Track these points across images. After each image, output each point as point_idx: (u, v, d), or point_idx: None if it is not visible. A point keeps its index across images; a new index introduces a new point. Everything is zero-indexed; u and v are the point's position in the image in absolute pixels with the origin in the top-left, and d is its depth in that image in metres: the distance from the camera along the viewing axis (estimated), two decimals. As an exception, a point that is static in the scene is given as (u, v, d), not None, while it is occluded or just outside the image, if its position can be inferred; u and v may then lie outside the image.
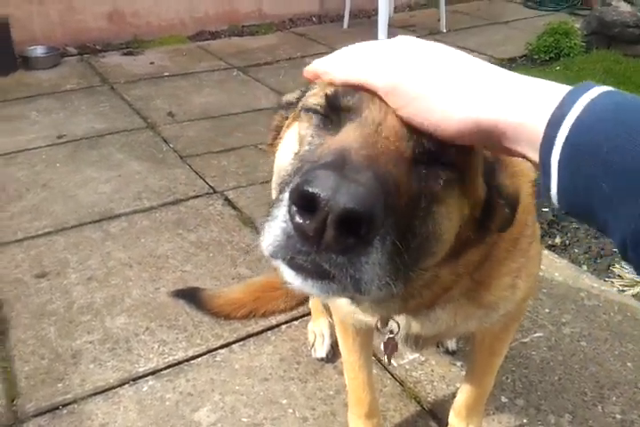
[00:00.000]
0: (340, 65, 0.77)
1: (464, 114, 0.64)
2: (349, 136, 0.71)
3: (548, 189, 0.59)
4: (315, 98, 0.82)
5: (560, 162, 0.56)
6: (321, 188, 0.58)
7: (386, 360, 1.20)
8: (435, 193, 0.74)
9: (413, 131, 0.71)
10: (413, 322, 1.12)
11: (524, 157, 0.63)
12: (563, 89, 0.59)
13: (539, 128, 0.58)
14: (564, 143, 0.55)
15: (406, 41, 0.75)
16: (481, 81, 0.65)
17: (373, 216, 0.59)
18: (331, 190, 0.57)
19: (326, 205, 0.58)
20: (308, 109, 0.83)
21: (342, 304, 1.26)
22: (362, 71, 0.73)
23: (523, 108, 0.60)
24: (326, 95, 0.79)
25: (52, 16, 5.08)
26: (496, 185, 0.85)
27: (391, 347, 1.16)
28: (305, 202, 0.59)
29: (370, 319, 1.19)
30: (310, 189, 0.58)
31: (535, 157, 0.60)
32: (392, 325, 1.11)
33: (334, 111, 0.78)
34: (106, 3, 5.30)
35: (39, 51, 4.90)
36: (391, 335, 1.12)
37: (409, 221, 0.70)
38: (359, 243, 0.61)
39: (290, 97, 1.00)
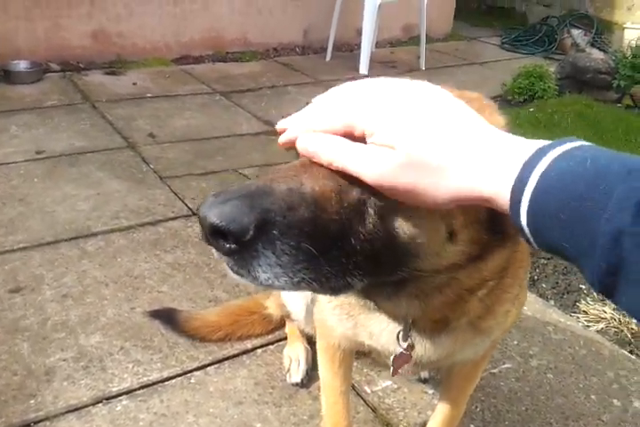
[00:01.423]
0: (324, 146, 0.80)
1: (444, 197, 0.72)
2: (295, 161, 0.85)
3: (533, 246, 0.68)
4: None
5: (529, 228, 0.64)
6: (201, 208, 0.76)
7: (391, 373, 1.23)
8: (383, 202, 0.80)
9: None
10: (418, 346, 1.16)
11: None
12: (525, 154, 0.65)
13: (507, 199, 0.66)
14: (528, 213, 0.63)
15: (388, 94, 0.78)
16: (458, 155, 0.70)
17: (237, 229, 0.72)
18: (206, 210, 0.74)
19: (202, 221, 0.75)
20: None
21: (341, 328, 1.30)
22: (348, 162, 0.77)
23: (493, 180, 0.67)
24: None
25: (38, 32, 5.09)
26: None
27: (402, 361, 1.19)
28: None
29: (372, 342, 1.23)
30: (198, 209, 0.77)
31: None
32: (411, 340, 1.14)
33: None
34: (92, 22, 5.34)
35: (22, 65, 4.90)
36: (406, 352, 1.15)
37: (347, 228, 0.79)
38: (240, 248, 0.75)
39: None
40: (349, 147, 0.78)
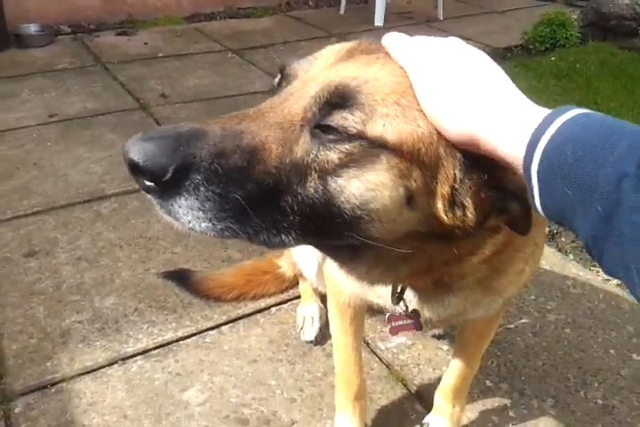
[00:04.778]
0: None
1: (460, 128, 0.75)
2: (259, 104, 0.83)
3: (533, 198, 0.68)
4: None
5: (538, 176, 0.65)
6: (126, 143, 0.75)
7: (388, 330, 1.23)
8: (336, 162, 0.77)
9: (316, 105, 0.79)
10: (427, 306, 1.14)
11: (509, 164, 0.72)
12: (543, 113, 0.68)
13: (521, 148, 0.67)
14: (540, 160, 0.65)
15: (462, 61, 0.80)
16: (485, 102, 0.74)
17: (154, 168, 0.72)
18: (129, 145, 0.74)
19: (124, 155, 0.74)
20: None
21: (350, 286, 1.27)
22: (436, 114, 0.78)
23: (508, 129, 0.70)
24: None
25: (46, -6, 5.01)
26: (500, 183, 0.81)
27: (399, 320, 1.19)
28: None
29: (380, 301, 1.21)
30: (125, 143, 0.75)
31: (518, 168, 0.70)
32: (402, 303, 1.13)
33: (282, 83, 0.92)
34: (100, -18, 5.24)
35: (32, 29, 4.85)
36: (402, 312, 1.14)
37: (284, 187, 0.77)
38: (160, 188, 0.74)
39: None
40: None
